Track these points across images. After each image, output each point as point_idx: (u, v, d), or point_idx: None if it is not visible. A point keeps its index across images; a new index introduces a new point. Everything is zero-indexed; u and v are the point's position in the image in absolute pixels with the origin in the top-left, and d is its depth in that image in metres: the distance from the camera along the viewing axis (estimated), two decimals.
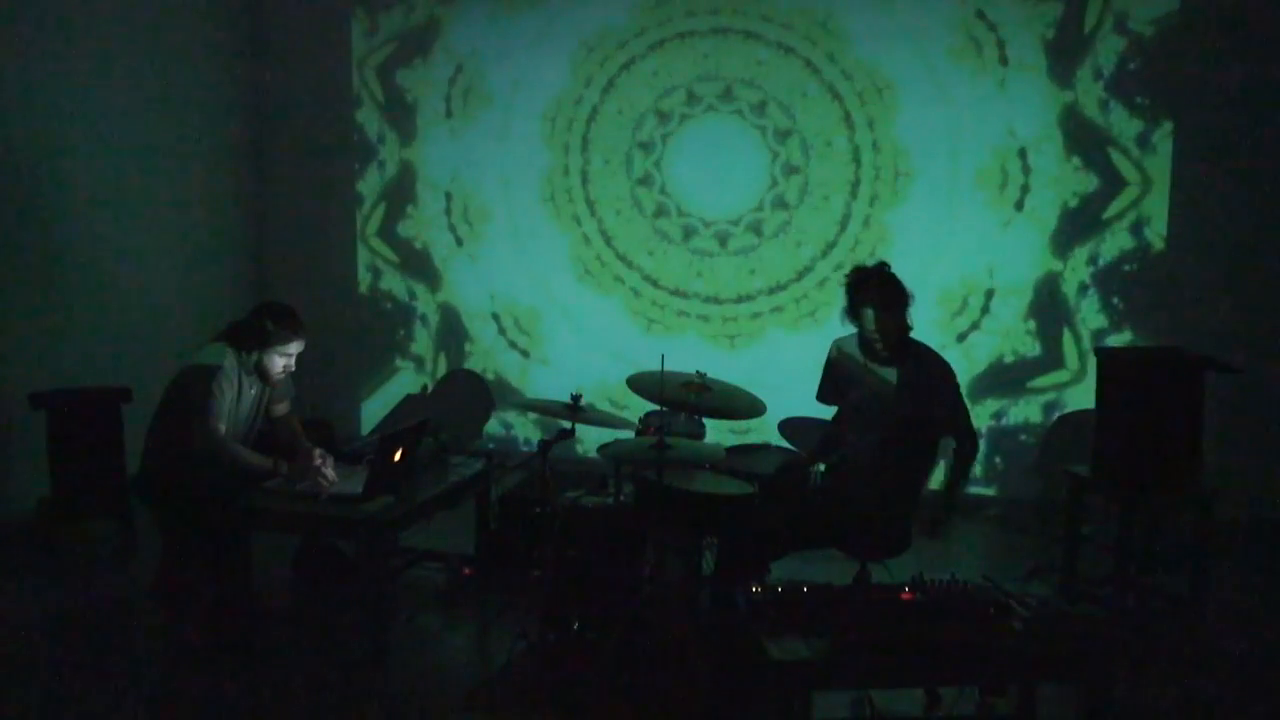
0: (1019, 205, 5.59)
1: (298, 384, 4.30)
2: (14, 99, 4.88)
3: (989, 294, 5.68)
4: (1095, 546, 4.37)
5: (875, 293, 3.59)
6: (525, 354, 6.36)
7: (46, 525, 4.71)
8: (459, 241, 6.39)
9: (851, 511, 3.58)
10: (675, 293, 6.18)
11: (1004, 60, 5.54)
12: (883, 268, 3.65)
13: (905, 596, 2.93)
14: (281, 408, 4.25)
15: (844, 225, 5.90)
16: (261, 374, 4.03)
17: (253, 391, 4.07)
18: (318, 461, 3.94)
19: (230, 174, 6.23)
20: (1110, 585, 4.19)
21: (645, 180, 6.13)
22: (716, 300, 6.12)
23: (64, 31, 5.08)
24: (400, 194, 6.41)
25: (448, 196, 6.36)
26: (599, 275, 6.28)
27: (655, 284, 6.21)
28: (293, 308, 4.12)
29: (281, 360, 4.03)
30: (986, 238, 5.64)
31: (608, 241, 6.25)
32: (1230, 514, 4.72)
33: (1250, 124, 5.11)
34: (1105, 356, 4.31)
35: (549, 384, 6.12)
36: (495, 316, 6.39)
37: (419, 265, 6.43)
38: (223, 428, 3.89)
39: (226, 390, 3.91)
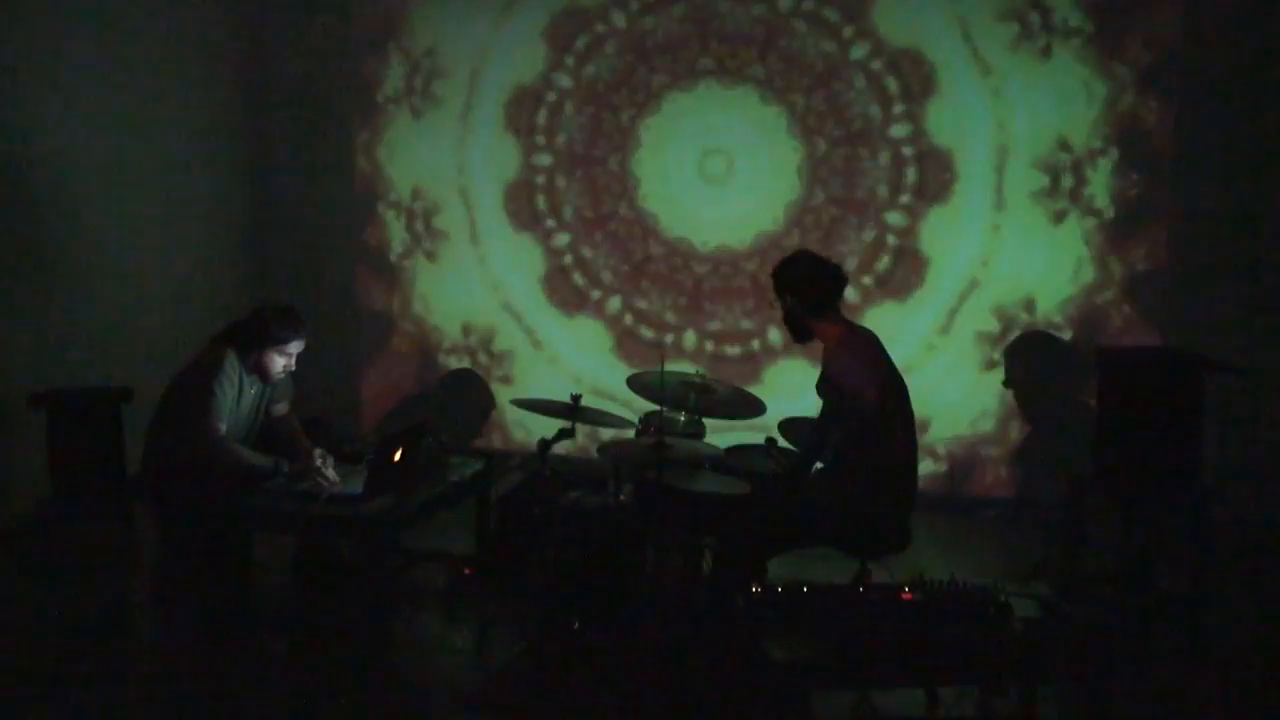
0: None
1: (297, 384, 4.30)
2: (12, 99, 4.87)
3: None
4: (1095, 546, 4.37)
5: (773, 275, 3.69)
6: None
7: (46, 525, 4.71)
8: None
9: (840, 510, 3.57)
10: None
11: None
12: (795, 252, 3.75)
13: (905, 596, 2.93)
14: (281, 407, 4.25)
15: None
16: (261, 373, 4.04)
17: (253, 391, 4.07)
18: (318, 462, 3.94)
19: (230, 173, 6.23)
20: (1110, 585, 4.19)
21: (628, 182, 5.80)
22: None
23: (63, 33, 5.08)
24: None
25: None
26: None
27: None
28: (293, 307, 4.13)
29: (281, 360, 4.03)
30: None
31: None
32: (1230, 514, 4.72)
33: (1253, 121, 5.10)
34: (1105, 356, 4.31)
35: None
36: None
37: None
38: (223, 428, 3.89)
39: (227, 390, 3.92)
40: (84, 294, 5.25)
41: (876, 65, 5.45)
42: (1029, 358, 5.49)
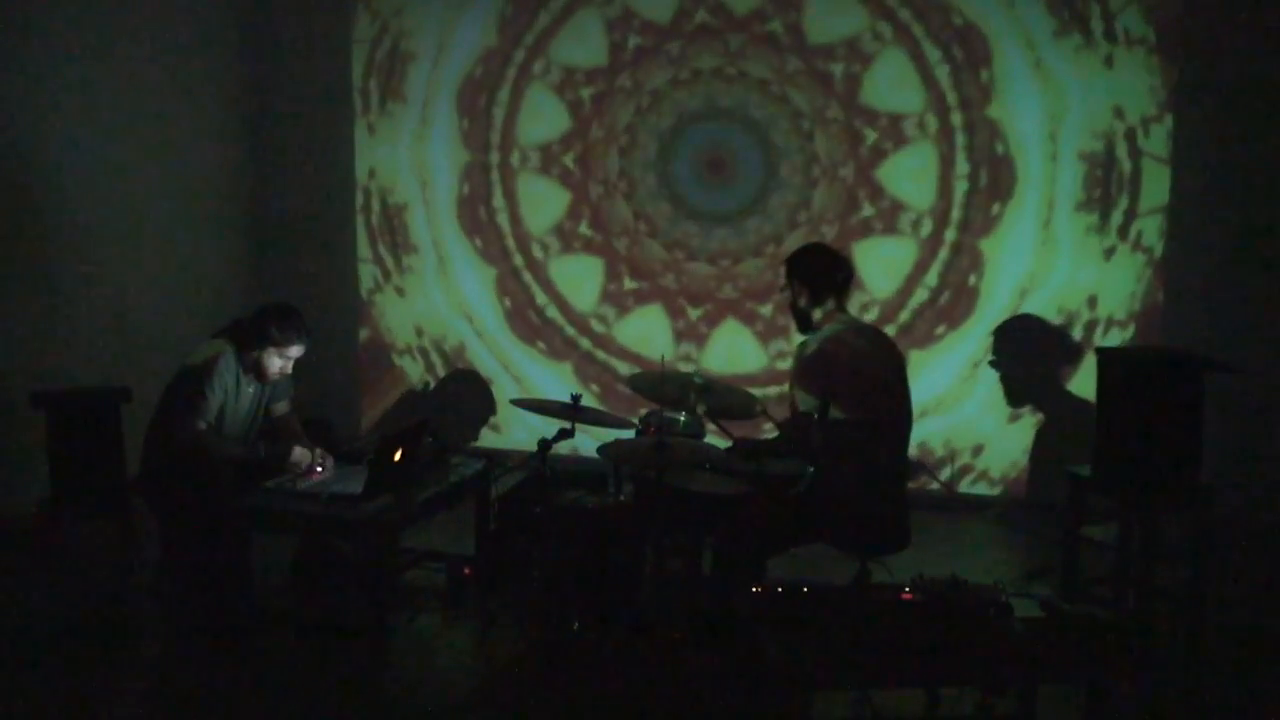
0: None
1: (297, 384, 4.30)
2: (12, 98, 4.87)
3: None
4: (1095, 546, 4.37)
5: (785, 262, 3.78)
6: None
7: (46, 525, 4.71)
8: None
9: (834, 505, 3.56)
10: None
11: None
12: (814, 244, 3.91)
13: (905, 596, 2.93)
14: (281, 407, 4.25)
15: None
16: (258, 373, 4.04)
17: (250, 390, 4.08)
18: (318, 461, 3.96)
19: (231, 173, 6.23)
20: (1110, 585, 4.19)
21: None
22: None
23: (63, 32, 5.08)
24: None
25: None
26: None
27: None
28: (298, 310, 4.13)
29: (279, 362, 4.04)
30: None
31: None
32: (1230, 514, 4.72)
33: (1252, 119, 5.10)
34: (1105, 356, 4.30)
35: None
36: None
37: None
38: (203, 425, 3.90)
39: (218, 390, 3.93)
40: (84, 294, 5.24)
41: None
42: (1020, 343, 5.41)
